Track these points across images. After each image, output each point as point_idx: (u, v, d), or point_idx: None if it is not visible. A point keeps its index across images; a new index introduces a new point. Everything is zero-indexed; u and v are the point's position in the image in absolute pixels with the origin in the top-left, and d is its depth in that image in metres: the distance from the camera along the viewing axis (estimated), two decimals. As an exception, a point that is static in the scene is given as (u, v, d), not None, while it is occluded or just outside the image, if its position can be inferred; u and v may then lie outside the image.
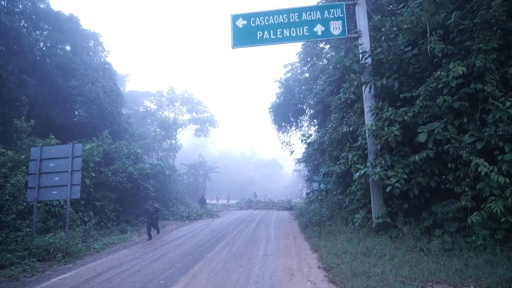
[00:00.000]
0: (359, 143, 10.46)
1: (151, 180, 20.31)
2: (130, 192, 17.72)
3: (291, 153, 25.39)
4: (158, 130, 34.70)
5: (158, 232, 14.23)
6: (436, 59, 8.56)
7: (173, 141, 38.62)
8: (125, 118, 25.90)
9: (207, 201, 32.98)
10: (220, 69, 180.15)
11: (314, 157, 20.04)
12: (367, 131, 9.76)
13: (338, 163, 12.27)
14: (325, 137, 14.18)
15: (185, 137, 58.93)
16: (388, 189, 8.40)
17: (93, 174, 15.53)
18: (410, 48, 9.43)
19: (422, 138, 8.07)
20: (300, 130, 25.76)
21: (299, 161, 27.45)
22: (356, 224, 10.01)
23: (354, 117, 12.31)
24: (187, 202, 29.33)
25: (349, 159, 10.65)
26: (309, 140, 18.38)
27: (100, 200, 15.71)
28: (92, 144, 15.75)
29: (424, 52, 9.03)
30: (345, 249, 8.50)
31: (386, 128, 8.65)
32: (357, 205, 10.84)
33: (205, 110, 47.27)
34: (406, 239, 8.12)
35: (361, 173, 9.33)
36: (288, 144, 25.23)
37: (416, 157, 8.13)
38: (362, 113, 11.40)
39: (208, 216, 23.23)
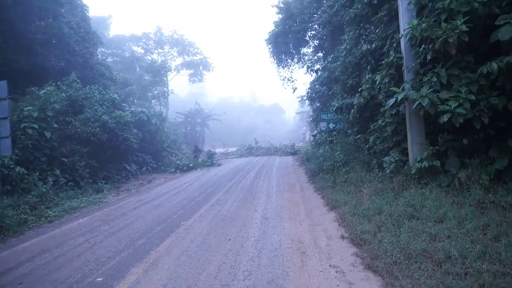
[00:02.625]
0: (391, 58, 7.40)
1: (134, 130, 17.65)
2: (107, 145, 15.03)
3: (294, 91, 22.23)
4: (145, 75, 31.29)
5: None
6: None
7: (165, 89, 35.40)
8: (101, 61, 22.53)
9: (205, 150, 30.76)
10: (213, 7, 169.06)
11: (321, 92, 16.98)
12: (403, 39, 6.73)
13: (359, 89, 9.30)
14: (338, 63, 11.07)
15: (180, 86, 55.37)
16: (445, 118, 5.51)
17: (56, 125, 12.83)
18: None
19: (504, 34, 5.03)
20: (303, 65, 22.36)
21: (303, 99, 24.27)
22: (388, 171, 7.32)
23: (377, 30, 9.17)
24: (183, 152, 27.03)
25: (377, 83, 7.68)
26: (316, 67, 15.05)
27: (69, 155, 13.14)
28: (49, 88, 12.77)
29: None
30: (378, 207, 5.93)
31: (443, 23, 5.58)
32: (386, 145, 8.11)
33: (198, 52, 43.26)
34: (472, 191, 5.41)
35: (399, 98, 6.42)
36: (289, 80, 21.94)
37: (494, 65, 5.15)
38: (392, 19, 8.33)
39: (204, 166, 20.88)
